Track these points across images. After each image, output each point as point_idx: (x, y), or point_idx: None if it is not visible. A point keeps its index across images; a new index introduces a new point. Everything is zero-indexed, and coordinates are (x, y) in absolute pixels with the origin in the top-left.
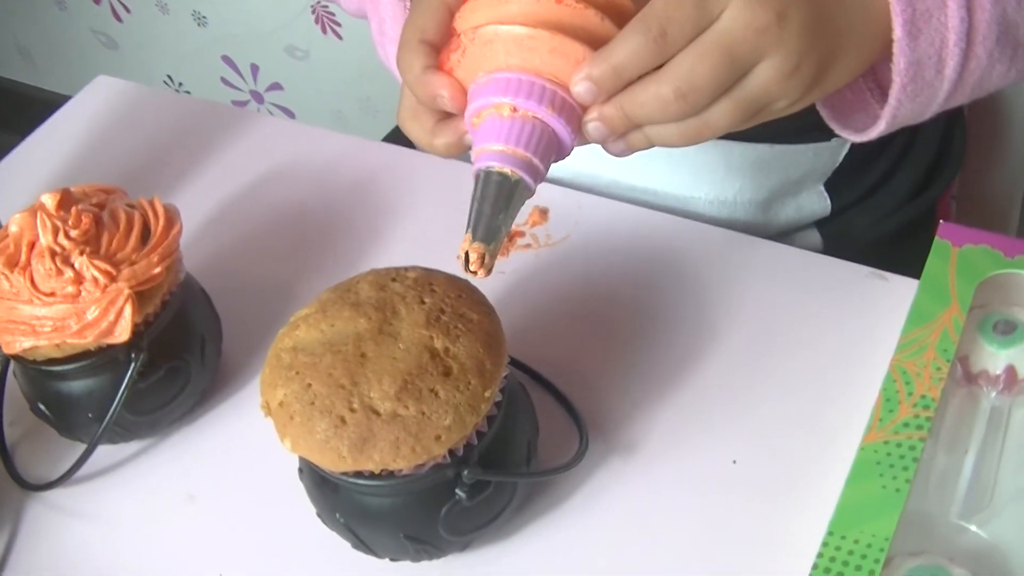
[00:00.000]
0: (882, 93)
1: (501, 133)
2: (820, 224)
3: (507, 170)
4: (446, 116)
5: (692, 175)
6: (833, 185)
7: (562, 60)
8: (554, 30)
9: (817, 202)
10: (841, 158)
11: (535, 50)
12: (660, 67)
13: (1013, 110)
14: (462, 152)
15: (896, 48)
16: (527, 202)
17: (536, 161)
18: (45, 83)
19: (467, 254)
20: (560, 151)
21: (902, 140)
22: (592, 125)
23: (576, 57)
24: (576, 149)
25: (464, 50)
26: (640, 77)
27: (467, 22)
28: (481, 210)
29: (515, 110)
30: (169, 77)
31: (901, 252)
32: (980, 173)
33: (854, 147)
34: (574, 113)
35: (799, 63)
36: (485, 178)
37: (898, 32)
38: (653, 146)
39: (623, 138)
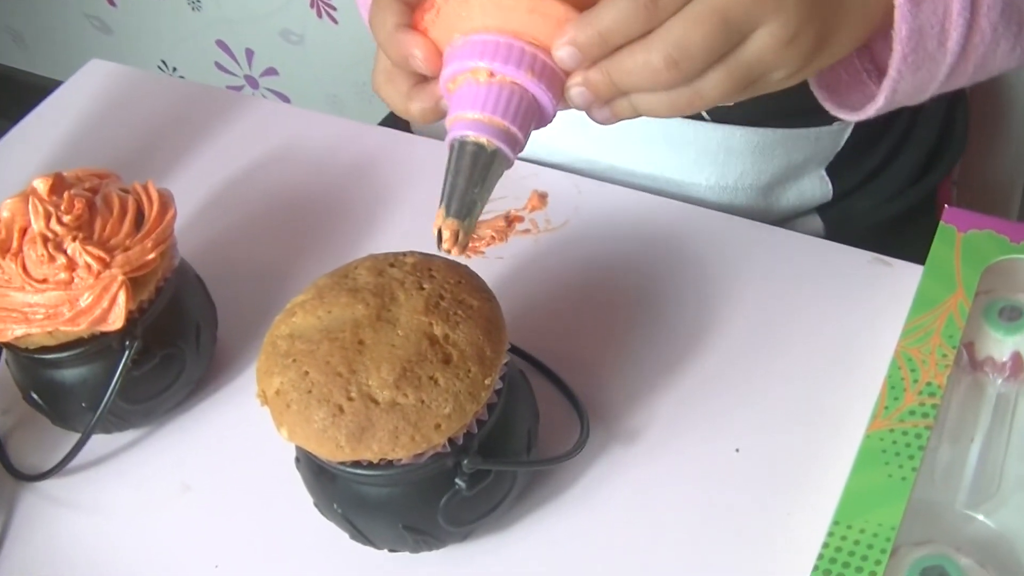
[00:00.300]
0: (879, 74)
1: (477, 100)
2: (821, 209)
3: (483, 140)
4: (422, 79)
5: (693, 160)
6: (834, 169)
7: (543, 21)
8: None
9: (818, 187)
10: (843, 142)
11: (514, 10)
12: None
13: (1015, 93)
14: (439, 118)
15: (897, 14)
16: (526, 187)
17: (515, 130)
18: (38, 68)
19: (440, 231)
20: (541, 118)
21: (903, 123)
22: (576, 91)
23: (558, 17)
24: (572, 135)
25: (439, 9)
26: (629, 41)
27: None
28: (455, 183)
29: (492, 75)
30: (163, 62)
31: (902, 237)
32: (981, 158)
33: (856, 131)
34: (556, 78)
35: (798, 31)
36: (460, 148)
37: None
38: (640, 115)
39: (608, 105)
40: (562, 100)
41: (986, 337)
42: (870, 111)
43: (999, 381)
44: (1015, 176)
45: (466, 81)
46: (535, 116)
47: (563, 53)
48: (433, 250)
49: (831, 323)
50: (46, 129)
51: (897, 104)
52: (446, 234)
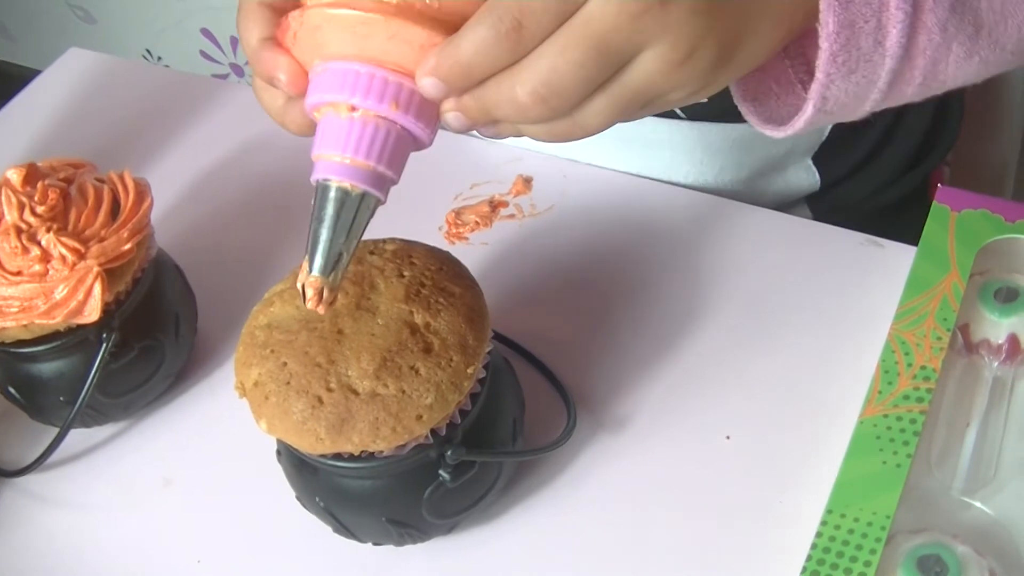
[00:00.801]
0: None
1: (339, 140)
2: (810, 199)
3: (347, 184)
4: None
5: (670, 158)
6: (821, 159)
7: (405, 47)
8: (391, 13)
9: (805, 177)
10: (828, 131)
11: (371, 37)
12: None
13: (1010, 74)
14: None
15: (823, 4)
16: (511, 171)
17: (382, 169)
18: (21, 59)
19: (303, 287)
20: (417, 145)
21: (894, 109)
22: (451, 115)
23: (421, 43)
24: None
25: (295, 34)
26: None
27: None
28: (319, 235)
29: (354, 109)
30: (148, 51)
31: (895, 225)
32: (975, 140)
33: None
34: (426, 104)
35: (692, 50)
36: (323, 194)
37: None
38: (527, 136)
39: (492, 125)
40: (438, 124)
41: (981, 319)
42: (798, 124)
43: (995, 364)
44: (1009, 156)
45: (328, 115)
46: (407, 148)
47: (426, 84)
48: (414, 236)
49: (823, 307)
50: (24, 119)
51: (831, 117)
52: (309, 292)
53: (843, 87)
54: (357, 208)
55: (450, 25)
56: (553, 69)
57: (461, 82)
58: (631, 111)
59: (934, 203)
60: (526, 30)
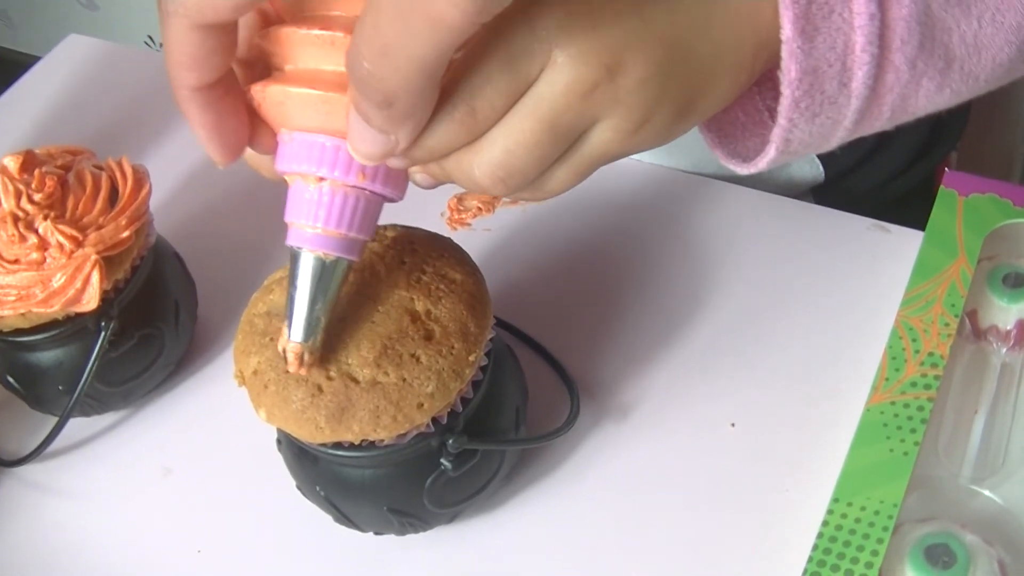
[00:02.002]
0: None
1: (310, 210)
2: (815, 191)
3: (320, 253)
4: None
5: (668, 152)
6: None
7: None
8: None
9: (809, 169)
10: None
11: (333, 113)
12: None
13: None
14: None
15: (785, 52)
16: None
17: (355, 235)
18: (22, 46)
19: (284, 352)
20: (390, 201)
21: None
22: (419, 176)
23: None
24: None
25: (259, 104)
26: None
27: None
28: (298, 302)
29: (323, 179)
30: (150, 38)
31: (901, 218)
32: (982, 133)
33: None
34: (394, 169)
35: (646, 118)
36: (297, 262)
37: (787, 31)
38: None
39: None
40: (407, 179)
41: (990, 305)
42: (761, 163)
43: (1003, 350)
44: (1016, 147)
45: (297, 183)
46: (378, 208)
47: (393, 163)
48: (416, 222)
49: (829, 292)
50: (23, 107)
51: (796, 155)
52: (291, 357)
53: (807, 129)
54: (332, 274)
55: None
56: (507, 151)
57: (424, 160)
58: (591, 172)
59: (941, 187)
60: (479, 113)
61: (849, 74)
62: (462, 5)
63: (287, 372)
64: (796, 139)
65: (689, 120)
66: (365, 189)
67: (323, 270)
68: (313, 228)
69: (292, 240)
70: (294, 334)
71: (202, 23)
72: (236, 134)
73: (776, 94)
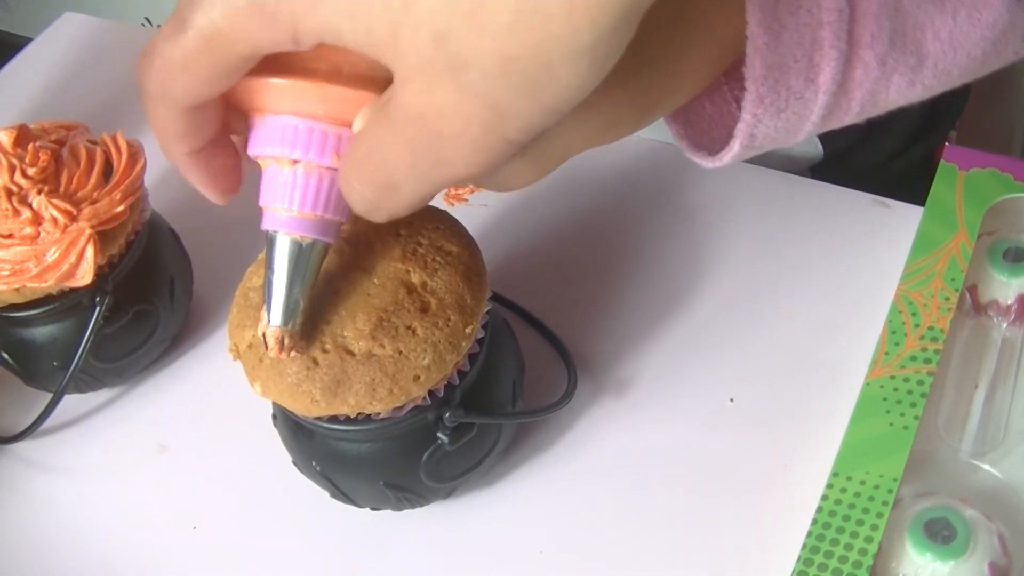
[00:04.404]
0: None
1: (285, 193)
2: (814, 170)
3: (296, 236)
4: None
5: (665, 128)
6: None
7: (340, 105)
8: (320, 79)
9: (807, 147)
10: None
11: (304, 100)
12: None
13: None
14: None
15: (750, 47)
16: None
17: (330, 216)
18: (19, 28)
19: (264, 336)
20: None
21: None
22: None
23: (354, 100)
24: None
25: (231, 90)
26: None
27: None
28: (275, 285)
29: (296, 162)
30: (147, 19)
31: (902, 195)
32: (981, 112)
33: None
34: None
35: (611, 120)
36: (274, 245)
37: (753, 26)
38: None
39: None
40: None
41: (990, 279)
42: (725, 158)
43: (1004, 325)
44: (1016, 126)
45: (271, 167)
46: None
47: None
48: None
49: (828, 267)
50: (19, 84)
51: (762, 149)
52: (271, 341)
53: (772, 124)
54: (309, 257)
55: (381, 81)
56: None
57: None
58: (555, 168)
59: (941, 162)
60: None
61: (816, 70)
62: (474, 166)
63: None
64: (761, 134)
65: (654, 116)
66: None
67: (300, 253)
68: (288, 211)
69: (267, 224)
70: (273, 318)
71: (188, 107)
72: (230, 180)
73: (744, 86)
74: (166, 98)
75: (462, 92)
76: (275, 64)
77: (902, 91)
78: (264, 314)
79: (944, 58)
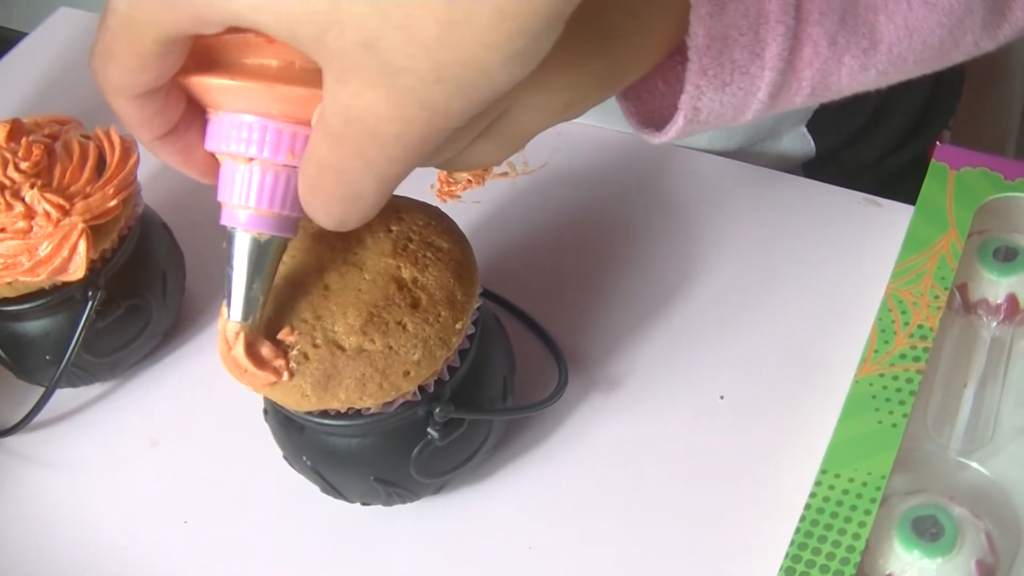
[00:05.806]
0: None
1: (242, 191)
2: (807, 167)
3: (254, 233)
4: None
5: None
6: (816, 127)
7: (293, 104)
8: (271, 79)
9: (800, 144)
10: None
11: (257, 100)
12: None
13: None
14: None
15: (693, 16)
16: None
17: (288, 212)
18: (13, 23)
19: (225, 332)
20: None
21: None
22: None
23: (307, 98)
24: None
25: (186, 86)
26: None
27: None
28: (234, 283)
29: (252, 160)
30: None
31: (894, 194)
32: (974, 111)
33: None
34: None
35: (571, 98)
36: (233, 240)
37: None
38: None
39: None
40: None
41: (980, 278)
42: (670, 132)
43: (993, 324)
44: (1009, 125)
45: (227, 163)
46: None
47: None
48: (402, 191)
49: (819, 265)
50: (13, 80)
51: (708, 125)
52: (230, 336)
53: (716, 98)
54: (268, 253)
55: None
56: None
57: None
58: (522, 147)
59: (933, 161)
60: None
61: (762, 44)
62: (426, 155)
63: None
64: (705, 108)
65: (615, 89)
66: (296, 167)
67: (259, 250)
68: (245, 208)
69: (225, 220)
70: (233, 313)
71: (134, 95)
72: (208, 161)
73: None
74: (111, 88)
75: (398, 96)
76: (228, 57)
77: (855, 75)
78: (224, 309)
79: (899, 43)
